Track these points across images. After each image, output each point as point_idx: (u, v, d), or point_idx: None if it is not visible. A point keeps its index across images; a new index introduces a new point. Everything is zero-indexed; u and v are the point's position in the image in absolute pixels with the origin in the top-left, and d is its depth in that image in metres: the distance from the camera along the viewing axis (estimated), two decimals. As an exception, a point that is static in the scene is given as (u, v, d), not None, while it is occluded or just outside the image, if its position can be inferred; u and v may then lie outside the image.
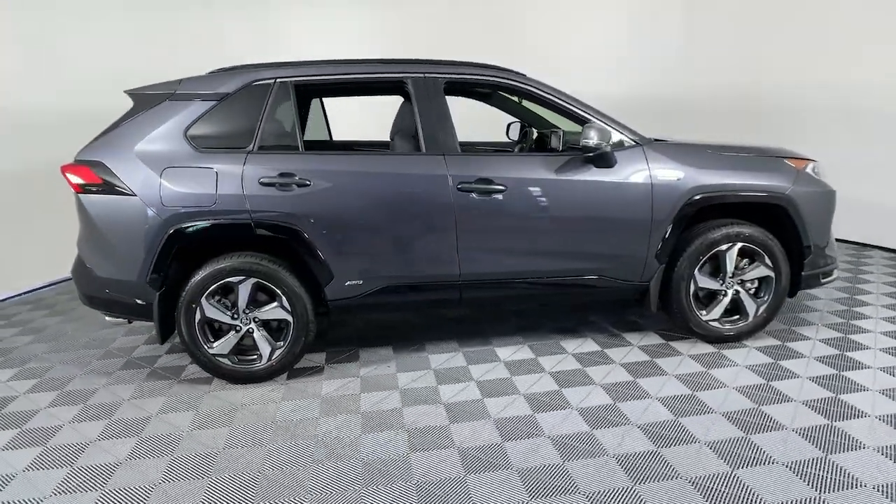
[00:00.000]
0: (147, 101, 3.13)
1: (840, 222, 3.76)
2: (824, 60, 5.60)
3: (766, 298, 3.43)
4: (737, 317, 3.47)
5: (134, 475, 2.41)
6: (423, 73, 3.23)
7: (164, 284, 3.04)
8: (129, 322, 3.31)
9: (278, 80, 3.16)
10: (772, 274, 3.39)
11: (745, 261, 3.41)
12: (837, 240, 6.20)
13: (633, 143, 3.28)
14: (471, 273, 3.23)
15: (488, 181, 3.12)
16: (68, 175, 3.02)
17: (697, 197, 3.23)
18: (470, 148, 4.61)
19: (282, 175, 3.03)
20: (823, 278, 3.55)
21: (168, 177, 2.98)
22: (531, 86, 3.29)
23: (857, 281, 4.57)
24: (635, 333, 3.69)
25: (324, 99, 4.46)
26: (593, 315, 4.00)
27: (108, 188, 2.98)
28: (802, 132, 5.74)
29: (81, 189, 3.01)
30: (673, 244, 3.30)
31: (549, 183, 3.18)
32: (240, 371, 3.17)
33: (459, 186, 3.11)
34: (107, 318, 3.24)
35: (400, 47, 6.56)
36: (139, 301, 3.08)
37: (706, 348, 3.42)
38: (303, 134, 3.36)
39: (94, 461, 2.52)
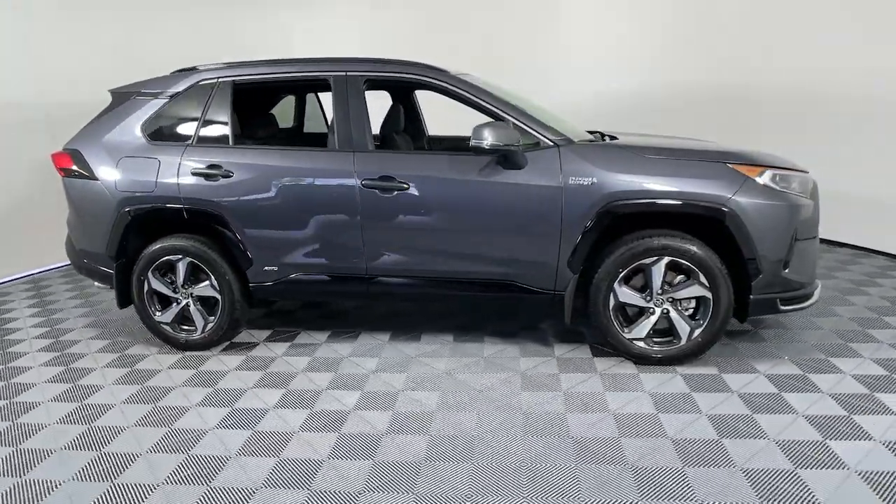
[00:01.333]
0: (120, 98, 3.62)
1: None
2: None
3: (701, 322, 3.05)
4: (670, 338, 3.13)
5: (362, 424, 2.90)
6: (345, 71, 3.33)
7: (120, 257, 3.53)
8: (111, 288, 3.86)
9: (220, 79, 3.47)
10: (708, 294, 3.00)
11: (681, 277, 3.06)
12: (838, 243, 5.39)
13: (550, 143, 3.09)
14: (376, 268, 3.30)
15: (390, 179, 3.16)
16: (55, 161, 3.61)
17: (614, 203, 2.97)
18: (438, 143, 4.62)
19: (210, 167, 3.34)
20: (784, 304, 3.05)
21: (123, 165, 3.45)
22: (449, 83, 3.24)
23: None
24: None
25: (318, 94, 4.74)
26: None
27: (81, 173, 3.53)
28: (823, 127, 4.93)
29: (64, 173, 3.59)
30: (587, 253, 3.07)
31: (453, 182, 3.13)
32: (179, 339, 3.57)
33: (364, 183, 3.18)
34: (95, 284, 3.82)
35: (404, 47, 6.69)
36: (107, 270, 3.60)
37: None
38: (243, 129, 3.63)
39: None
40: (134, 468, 2.44)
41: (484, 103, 3.19)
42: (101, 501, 2.24)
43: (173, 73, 3.64)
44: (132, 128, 3.51)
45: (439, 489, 2.23)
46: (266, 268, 3.40)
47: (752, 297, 3.01)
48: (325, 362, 3.37)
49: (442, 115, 4.58)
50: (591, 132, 3.94)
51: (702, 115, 6.08)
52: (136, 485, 2.33)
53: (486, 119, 3.16)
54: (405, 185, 3.15)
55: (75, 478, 2.39)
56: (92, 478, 2.39)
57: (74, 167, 3.53)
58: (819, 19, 5.14)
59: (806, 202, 3.03)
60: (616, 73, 6.68)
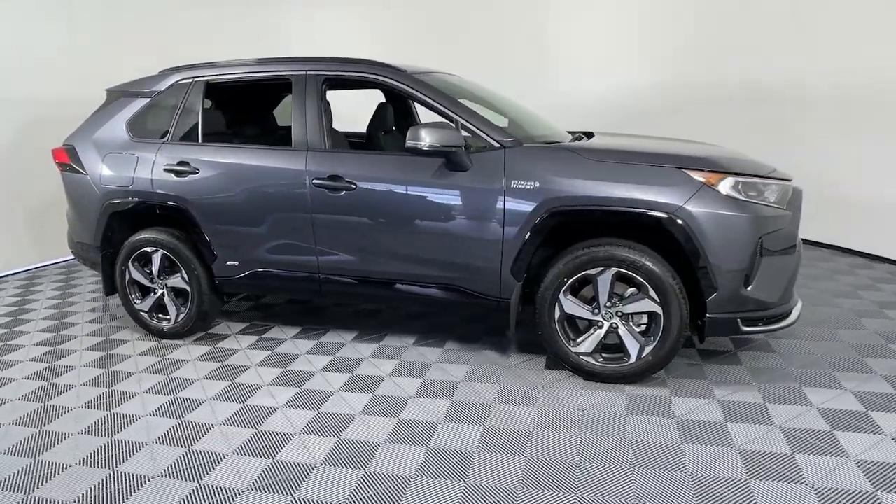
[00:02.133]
0: (112, 97, 3.85)
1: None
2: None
3: (652, 339, 2.83)
4: (621, 355, 2.93)
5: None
6: (305, 70, 3.36)
7: (106, 247, 3.75)
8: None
9: (195, 79, 3.60)
10: (658, 310, 2.78)
11: (632, 290, 2.85)
12: (842, 249, 4.93)
13: (497, 145, 2.97)
14: (328, 267, 3.32)
15: (338, 178, 3.16)
16: (54, 156, 3.89)
17: (556, 209, 2.81)
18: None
19: (179, 163, 3.48)
20: (747, 325, 2.77)
21: (107, 160, 3.67)
22: (404, 83, 3.19)
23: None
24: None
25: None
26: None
27: (74, 168, 3.78)
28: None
29: (61, 168, 3.87)
30: (529, 260, 2.93)
31: (398, 183, 3.08)
32: (155, 327, 3.75)
33: (314, 182, 3.20)
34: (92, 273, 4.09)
35: (406, 47, 6.74)
36: (97, 259, 3.85)
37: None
38: (213, 127, 3.72)
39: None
40: (60, 448, 2.59)
41: (435, 104, 3.11)
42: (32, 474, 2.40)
43: (160, 72, 3.82)
44: (118, 125, 3.72)
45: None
46: (229, 262, 3.50)
47: (707, 315, 2.75)
48: (280, 357, 3.42)
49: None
50: (573, 132, 3.78)
51: (716, 115, 5.76)
52: (54, 463, 2.47)
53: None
54: (352, 185, 3.14)
55: (8, 452, 2.57)
56: (23, 454, 2.56)
57: (69, 162, 3.79)
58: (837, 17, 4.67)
59: (777, 213, 2.74)
60: (625, 71, 6.45)
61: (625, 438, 2.49)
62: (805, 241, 5.38)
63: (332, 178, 3.17)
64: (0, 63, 5.17)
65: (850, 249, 5.08)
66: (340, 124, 5.03)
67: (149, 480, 2.34)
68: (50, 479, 2.37)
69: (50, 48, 5.48)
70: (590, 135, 3.72)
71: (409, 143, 2.87)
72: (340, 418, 2.74)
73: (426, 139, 2.85)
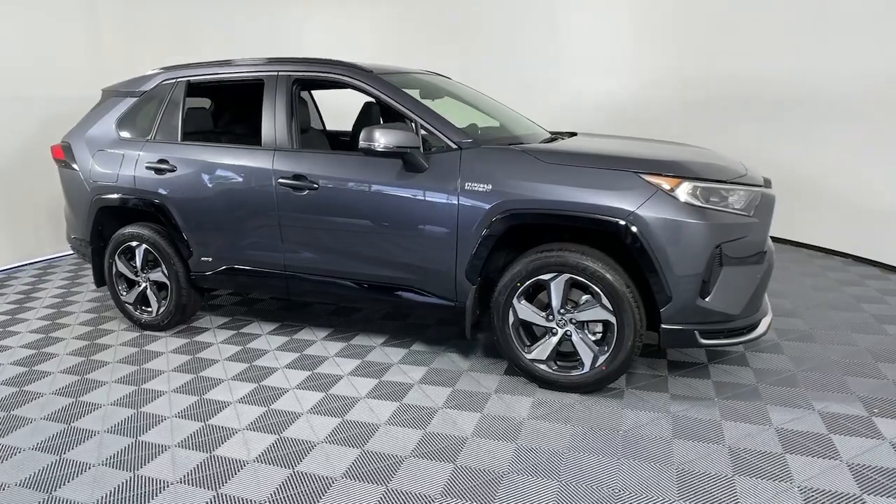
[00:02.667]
0: (106, 95, 4.00)
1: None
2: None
3: (606, 348, 2.74)
4: (576, 363, 2.85)
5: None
6: (276, 71, 3.40)
7: (95, 241, 3.90)
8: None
9: (178, 79, 3.70)
10: (612, 319, 2.68)
11: (587, 297, 2.77)
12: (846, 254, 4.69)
13: (454, 146, 2.93)
14: (293, 266, 3.35)
15: (302, 178, 3.18)
16: (52, 152, 4.07)
17: (508, 213, 2.75)
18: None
19: (159, 161, 3.59)
20: (706, 338, 2.64)
21: (97, 157, 3.81)
22: (368, 83, 3.18)
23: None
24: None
25: (313, 92, 4.86)
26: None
27: (69, 164, 3.94)
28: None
29: (58, 164, 4.04)
30: (483, 264, 2.87)
31: (357, 183, 3.08)
32: (138, 318, 3.88)
33: (279, 181, 3.24)
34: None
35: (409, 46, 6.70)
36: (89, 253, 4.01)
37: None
38: (192, 126, 3.82)
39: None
40: (15, 433, 2.71)
41: (396, 104, 3.10)
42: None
43: (149, 72, 3.94)
44: (109, 123, 3.85)
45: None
46: (203, 258, 3.58)
47: (662, 326, 2.65)
48: (249, 353, 3.48)
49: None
50: (556, 133, 3.71)
51: (726, 115, 5.56)
52: (8, 447, 2.59)
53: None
54: (315, 185, 3.16)
55: (-30, 434, 2.71)
56: (-19, 436, 2.69)
57: (64, 158, 3.96)
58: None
59: (741, 220, 2.60)
60: (627, 71, 6.29)
61: (572, 445, 2.42)
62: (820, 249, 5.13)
63: (297, 177, 3.19)
64: (27, 64, 5.43)
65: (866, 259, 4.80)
66: (341, 123, 5.10)
67: (91, 468, 2.42)
68: (1, 463, 2.48)
69: (75, 49, 5.75)
70: (573, 136, 3.65)
71: (361, 143, 2.87)
72: (287, 416, 2.77)
73: (380, 140, 2.84)
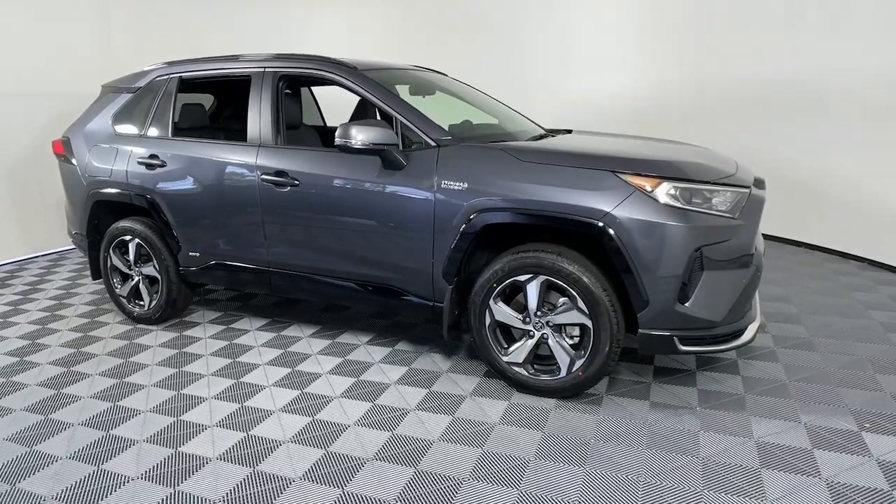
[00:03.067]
0: (104, 91, 4.04)
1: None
2: None
3: (583, 353, 2.65)
4: (553, 367, 2.76)
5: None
6: (263, 67, 3.38)
7: (92, 235, 3.96)
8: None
9: (171, 75, 3.72)
10: (588, 322, 2.59)
11: (564, 300, 2.68)
12: (851, 258, 4.47)
13: (432, 144, 2.87)
14: (276, 262, 3.34)
15: (284, 174, 3.16)
16: (53, 147, 4.14)
17: (483, 212, 2.68)
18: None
19: (150, 156, 3.61)
20: (685, 344, 2.53)
21: (93, 152, 3.86)
22: (351, 80, 3.14)
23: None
24: None
25: (312, 88, 4.85)
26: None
27: (67, 159, 4.00)
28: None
29: (58, 158, 4.11)
30: (460, 264, 2.81)
31: (338, 180, 3.05)
32: (130, 311, 3.92)
33: (262, 178, 3.23)
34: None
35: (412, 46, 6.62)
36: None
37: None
38: (184, 121, 3.85)
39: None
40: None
41: (377, 101, 3.06)
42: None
43: (145, 68, 3.97)
44: (105, 119, 3.90)
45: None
46: (190, 253, 3.60)
47: (640, 331, 2.55)
48: (234, 349, 3.48)
49: (441, 113, 4.46)
50: (552, 130, 3.63)
51: (732, 115, 5.38)
52: (-18, 437, 2.63)
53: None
54: (296, 182, 3.13)
55: (-49, 423, 2.76)
56: (-39, 425, 2.74)
57: (64, 153, 4.02)
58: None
59: (724, 222, 2.49)
60: (630, 72, 6.13)
61: (539, 453, 2.34)
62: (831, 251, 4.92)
63: (279, 173, 3.18)
64: (39, 62, 5.55)
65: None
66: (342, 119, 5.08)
67: (58, 460, 2.44)
68: (-26, 452, 2.52)
69: (86, 47, 5.85)
70: (568, 133, 3.57)
71: (338, 140, 2.83)
72: (259, 413, 2.75)
73: (356, 137, 2.80)
